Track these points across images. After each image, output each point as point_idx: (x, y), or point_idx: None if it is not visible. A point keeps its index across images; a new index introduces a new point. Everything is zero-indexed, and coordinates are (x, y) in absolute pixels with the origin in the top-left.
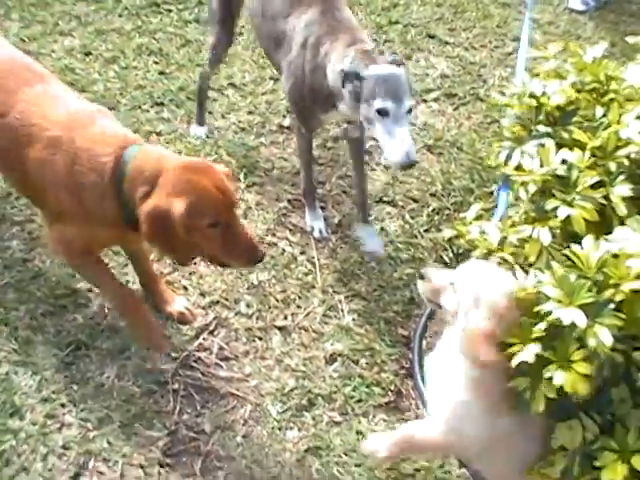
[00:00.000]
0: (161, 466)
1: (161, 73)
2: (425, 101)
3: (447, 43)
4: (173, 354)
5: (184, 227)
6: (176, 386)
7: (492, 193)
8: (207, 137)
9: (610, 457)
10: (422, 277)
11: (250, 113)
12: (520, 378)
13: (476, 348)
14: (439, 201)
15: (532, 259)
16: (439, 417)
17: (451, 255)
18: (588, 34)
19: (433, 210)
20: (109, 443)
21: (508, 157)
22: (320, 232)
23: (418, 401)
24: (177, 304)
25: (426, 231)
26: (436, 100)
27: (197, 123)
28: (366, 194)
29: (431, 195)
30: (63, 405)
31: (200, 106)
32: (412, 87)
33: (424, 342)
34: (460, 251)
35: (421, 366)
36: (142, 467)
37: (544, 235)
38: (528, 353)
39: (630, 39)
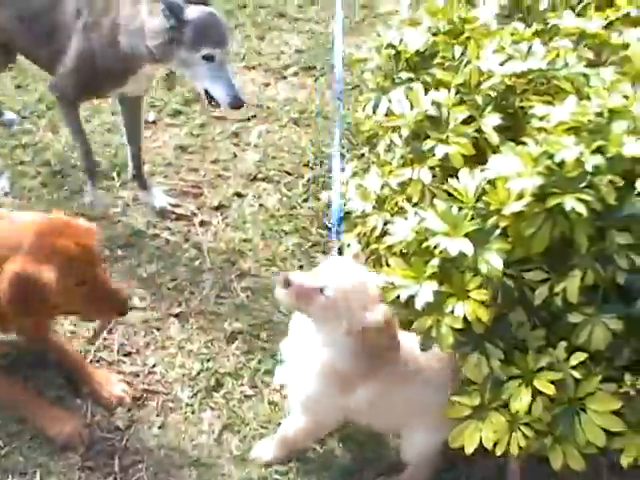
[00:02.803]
0: (81, 470)
1: (18, 87)
2: (284, 77)
3: (297, 19)
4: None
5: (53, 294)
6: (84, 389)
7: (363, 155)
8: None
9: (514, 384)
10: (286, 284)
11: (113, 114)
12: (423, 317)
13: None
14: (313, 171)
15: (415, 199)
16: (298, 411)
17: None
18: None
19: (308, 180)
20: (23, 456)
21: (375, 106)
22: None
23: None
24: (115, 387)
25: (305, 201)
26: (295, 74)
27: None
28: (141, 158)
29: (304, 166)
30: None
31: None
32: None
33: None
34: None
35: None
36: (61, 473)
37: (424, 175)
38: (426, 291)
39: None
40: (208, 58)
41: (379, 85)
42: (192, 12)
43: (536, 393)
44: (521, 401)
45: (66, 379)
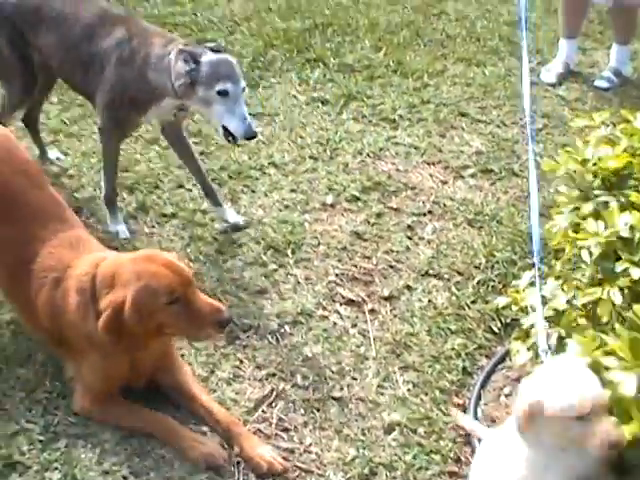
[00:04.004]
0: None
1: (202, 153)
2: (462, 177)
3: (479, 121)
4: None
5: (140, 313)
6: (234, 449)
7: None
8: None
9: None
10: None
11: (292, 191)
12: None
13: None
14: (483, 273)
15: (605, 319)
16: None
17: (499, 325)
18: (614, 110)
19: (478, 282)
20: None
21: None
22: (124, 234)
23: None
24: (265, 452)
25: (473, 302)
26: (473, 176)
27: None
28: (207, 178)
29: (475, 267)
30: (125, 477)
31: None
32: (243, 70)
33: (479, 410)
34: (508, 321)
35: None
36: None
37: (616, 296)
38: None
39: None
40: (222, 93)
41: (572, 199)
42: (208, 57)
43: None
44: None
45: (223, 446)
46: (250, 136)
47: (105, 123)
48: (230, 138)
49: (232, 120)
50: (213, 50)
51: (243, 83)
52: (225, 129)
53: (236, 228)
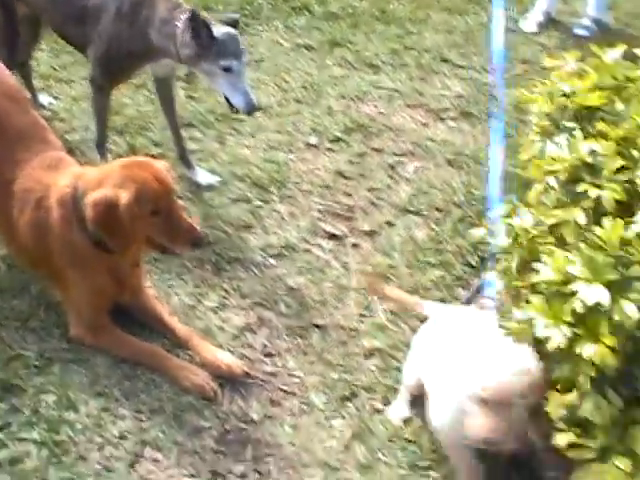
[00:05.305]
0: (214, 452)
1: (189, 97)
2: (443, 119)
3: (460, 66)
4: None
5: (129, 215)
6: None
7: (511, 201)
8: None
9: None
10: None
11: (278, 132)
12: (564, 365)
13: None
14: (462, 210)
15: (570, 240)
16: None
17: (477, 259)
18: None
19: (457, 219)
20: (163, 432)
21: (541, 150)
22: None
23: None
24: (223, 356)
25: (451, 237)
26: (453, 119)
27: None
28: (182, 138)
29: (454, 205)
30: (117, 399)
31: None
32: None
33: None
34: (485, 255)
35: None
36: (196, 454)
37: (579, 216)
38: (560, 336)
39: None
40: (226, 69)
41: (545, 130)
42: (216, 31)
43: None
44: None
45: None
46: (252, 110)
47: (97, 74)
48: (234, 109)
49: (234, 95)
50: (227, 23)
51: (245, 57)
52: (227, 100)
53: (209, 188)
